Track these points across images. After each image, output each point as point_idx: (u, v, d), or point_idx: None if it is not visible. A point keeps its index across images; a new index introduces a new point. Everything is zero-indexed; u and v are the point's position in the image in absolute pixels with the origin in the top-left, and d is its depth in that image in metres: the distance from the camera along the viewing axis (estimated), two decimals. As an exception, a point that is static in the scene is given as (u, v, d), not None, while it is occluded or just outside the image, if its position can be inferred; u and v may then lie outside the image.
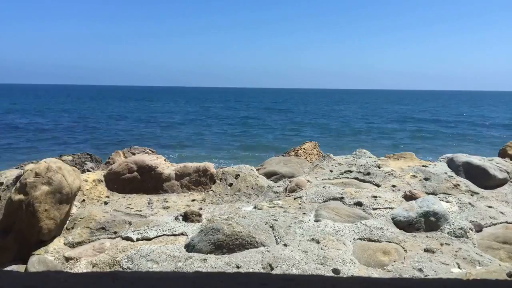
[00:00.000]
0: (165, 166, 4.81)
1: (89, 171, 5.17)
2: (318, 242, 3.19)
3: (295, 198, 4.27)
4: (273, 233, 3.37)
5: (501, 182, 4.73)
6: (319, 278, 2.38)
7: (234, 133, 27.48)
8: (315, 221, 3.63)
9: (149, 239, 3.42)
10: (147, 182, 4.67)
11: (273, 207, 4.02)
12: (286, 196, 4.42)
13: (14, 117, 34.96)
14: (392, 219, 3.66)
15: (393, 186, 4.52)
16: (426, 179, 4.68)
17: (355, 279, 2.42)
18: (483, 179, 4.71)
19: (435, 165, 5.08)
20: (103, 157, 6.50)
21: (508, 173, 4.84)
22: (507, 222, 3.75)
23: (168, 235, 3.48)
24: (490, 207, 4.06)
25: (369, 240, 3.32)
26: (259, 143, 23.09)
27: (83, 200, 4.19)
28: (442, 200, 4.08)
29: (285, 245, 3.17)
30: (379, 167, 4.96)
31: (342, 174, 4.94)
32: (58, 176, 3.54)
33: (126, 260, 3.07)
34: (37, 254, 3.31)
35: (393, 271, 2.87)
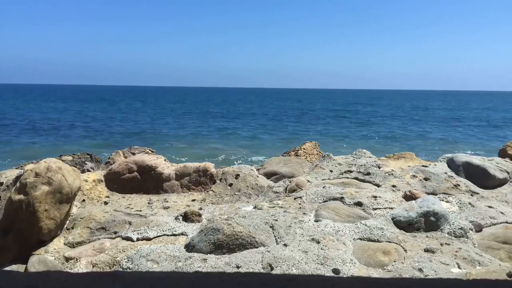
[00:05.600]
0: (165, 166, 4.81)
1: (89, 171, 5.17)
2: (318, 242, 3.19)
3: (295, 198, 4.27)
4: (273, 233, 3.37)
5: (501, 182, 4.73)
6: (319, 278, 2.38)
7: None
8: (315, 221, 3.63)
9: (149, 239, 3.42)
10: (147, 182, 4.67)
11: (273, 207, 4.02)
12: (286, 196, 4.42)
13: (12, 117, 35.01)
14: (392, 219, 3.66)
15: (393, 186, 4.52)
16: (426, 179, 4.68)
17: (355, 279, 2.42)
18: (483, 179, 4.71)
19: (435, 165, 5.09)
20: (103, 157, 6.50)
21: (508, 173, 4.84)
22: (507, 222, 3.75)
23: (168, 235, 3.48)
24: (490, 207, 4.06)
25: (369, 240, 3.32)
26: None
27: (83, 200, 4.19)
28: (442, 200, 4.08)
29: (285, 245, 3.17)
30: (379, 167, 4.96)
31: (342, 174, 4.94)
32: (58, 176, 3.54)
33: (126, 260, 3.07)
34: (37, 254, 3.31)
35: (393, 271, 2.86)
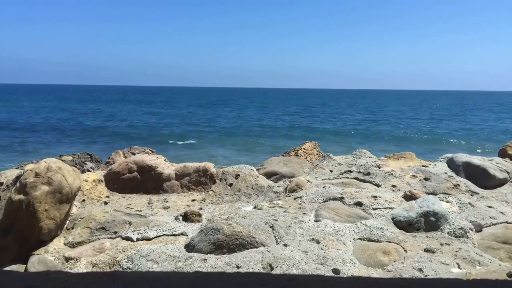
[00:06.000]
0: (165, 166, 4.81)
1: (89, 171, 5.17)
2: (318, 242, 3.19)
3: (295, 198, 4.26)
4: (273, 233, 3.37)
5: (501, 182, 4.73)
6: (319, 278, 2.38)
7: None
8: (315, 221, 3.63)
9: (149, 239, 3.42)
10: (147, 182, 4.67)
11: (273, 207, 4.02)
12: (286, 196, 4.42)
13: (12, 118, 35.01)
14: (392, 219, 3.66)
15: (393, 186, 4.52)
16: (426, 179, 4.68)
17: (355, 279, 2.42)
18: (483, 179, 4.71)
19: (435, 165, 5.08)
20: (103, 157, 6.50)
21: (508, 173, 4.84)
22: (507, 222, 3.75)
23: (168, 235, 3.48)
24: (490, 207, 4.06)
25: (369, 240, 3.32)
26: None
27: (83, 200, 4.19)
28: (442, 200, 4.08)
29: (285, 245, 3.17)
30: (379, 167, 4.96)
31: (342, 174, 4.94)
32: (58, 176, 3.54)
33: (126, 260, 3.07)
34: (37, 254, 3.31)
35: (393, 271, 2.86)
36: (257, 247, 3.14)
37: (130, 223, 3.68)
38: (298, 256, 2.96)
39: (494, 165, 4.89)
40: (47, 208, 3.41)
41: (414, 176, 4.76)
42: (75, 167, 4.57)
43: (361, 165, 5.03)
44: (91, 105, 61.58)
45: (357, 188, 4.45)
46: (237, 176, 4.76)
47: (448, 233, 3.46)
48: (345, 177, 4.86)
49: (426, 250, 3.14)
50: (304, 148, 5.84)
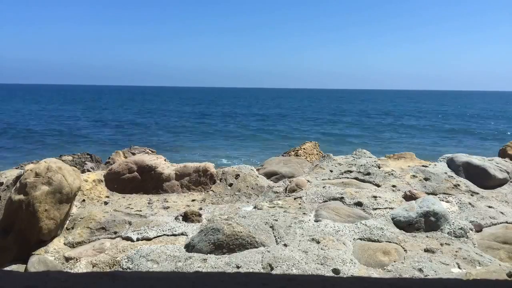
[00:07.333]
0: (165, 166, 4.81)
1: (89, 171, 5.17)
2: (318, 242, 3.19)
3: (295, 198, 4.26)
4: (273, 233, 3.37)
5: (501, 182, 4.73)
6: (319, 278, 2.38)
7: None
8: (315, 221, 3.63)
9: (149, 239, 3.42)
10: (147, 182, 4.67)
11: (273, 207, 4.02)
12: (286, 196, 4.42)
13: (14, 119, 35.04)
14: (392, 219, 3.66)
15: (393, 186, 4.52)
16: (426, 179, 4.68)
17: (355, 279, 2.42)
18: (483, 179, 4.71)
19: (435, 165, 5.08)
20: (103, 157, 6.51)
21: (508, 173, 4.84)
22: (507, 222, 3.75)
23: (168, 235, 3.48)
24: (490, 207, 4.06)
25: (369, 240, 3.32)
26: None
27: (83, 200, 4.19)
28: (442, 200, 4.08)
29: (285, 245, 3.17)
30: (379, 167, 4.96)
31: (342, 174, 4.94)
32: (58, 176, 3.54)
33: (126, 260, 3.07)
34: (37, 254, 3.31)
35: (393, 271, 2.87)
36: (257, 247, 3.14)
37: (130, 223, 3.68)
38: (298, 256, 2.96)
39: (494, 165, 4.89)
40: (47, 208, 3.41)
41: (414, 176, 4.76)
42: (75, 167, 4.57)
43: (361, 165, 5.02)
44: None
45: (357, 188, 4.45)
46: (237, 176, 4.76)
47: (448, 233, 3.46)
48: (345, 177, 4.86)
49: (426, 250, 3.14)
50: (304, 148, 5.84)
